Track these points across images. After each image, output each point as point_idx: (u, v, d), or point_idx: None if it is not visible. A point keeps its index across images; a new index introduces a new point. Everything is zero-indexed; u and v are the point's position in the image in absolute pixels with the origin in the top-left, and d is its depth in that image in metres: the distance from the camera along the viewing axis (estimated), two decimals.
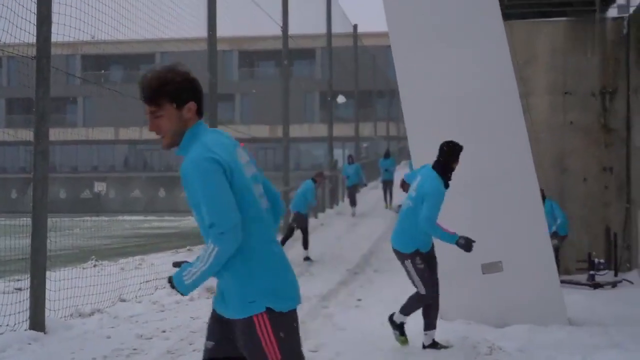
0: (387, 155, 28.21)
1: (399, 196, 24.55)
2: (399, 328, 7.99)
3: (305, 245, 16.65)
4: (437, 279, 7.87)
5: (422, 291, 7.72)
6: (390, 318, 8.09)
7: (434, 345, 7.81)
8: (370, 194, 30.69)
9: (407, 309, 7.89)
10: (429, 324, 7.87)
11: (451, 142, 7.82)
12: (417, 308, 7.83)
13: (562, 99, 13.86)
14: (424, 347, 7.80)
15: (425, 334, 7.85)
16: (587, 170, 13.90)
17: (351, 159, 27.67)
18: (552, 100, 13.85)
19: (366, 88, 46.58)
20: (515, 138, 9.22)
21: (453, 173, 7.87)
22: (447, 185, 7.74)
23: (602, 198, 13.83)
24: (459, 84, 9.33)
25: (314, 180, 17.06)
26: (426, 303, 7.76)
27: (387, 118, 53.74)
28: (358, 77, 38.56)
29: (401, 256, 7.86)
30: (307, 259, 16.36)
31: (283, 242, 16.28)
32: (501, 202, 9.10)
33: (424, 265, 7.73)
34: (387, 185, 27.21)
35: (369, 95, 49.36)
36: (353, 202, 25.74)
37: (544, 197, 12.09)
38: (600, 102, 13.85)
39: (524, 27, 13.87)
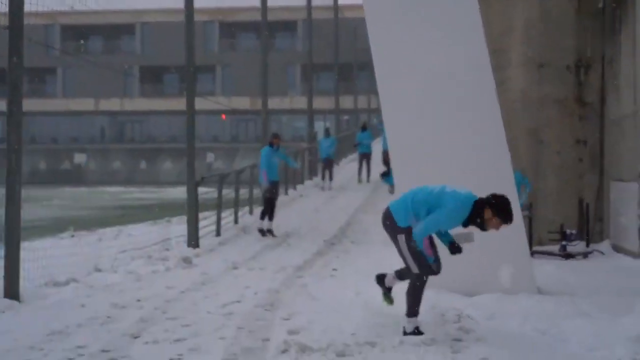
0: (364, 128, 27.71)
1: (377, 169, 24.68)
2: (387, 288, 7.85)
3: (272, 216, 16.17)
4: (437, 256, 7.25)
5: (415, 269, 7.10)
6: (380, 278, 7.90)
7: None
8: (348, 168, 30.73)
9: (410, 307, 7.17)
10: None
11: (509, 202, 6.94)
12: (419, 295, 7.17)
13: (537, 72, 13.93)
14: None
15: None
16: (562, 143, 14.00)
17: (328, 132, 27.14)
18: (527, 72, 13.92)
19: (347, 61, 46.53)
20: (487, 111, 9.30)
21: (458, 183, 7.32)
22: (465, 224, 7.00)
23: (575, 170, 13.95)
24: (432, 57, 9.39)
25: (271, 144, 16.31)
26: (421, 282, 7.16)
27: (369, 91, 53.69)
28: (339, 49, 38.48)
29: (393, 227, 7.18)
30: (269, 231, 16.02)
31: (264, 215, 16.04)
32: (473, 174, 9.18)
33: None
34: (364, 158, 26.82)
35: (350, 68, 49.32)
36: (330, 176, 25.56)
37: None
38: (575, 75, 13.92)
39: None
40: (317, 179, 27.70)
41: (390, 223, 7.20)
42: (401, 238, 7.10)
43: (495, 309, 8.08)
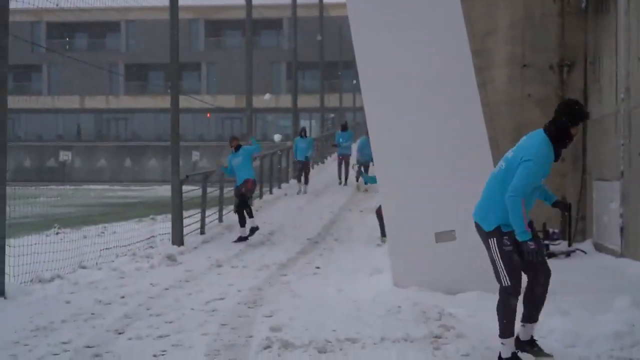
0: (344, 127, 26.50)
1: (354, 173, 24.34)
2: (529, 345, 6.36)
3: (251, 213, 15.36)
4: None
5: (506, 282, 6.07)
6: (520, 341, 6.35)
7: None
8: (329, 169, 30.20)
9: (502, 326, 6.18)
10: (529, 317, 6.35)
11: (575, 101, 6.17)
12: (512, 313, 6.15)
13: (520, 72, 14.04)
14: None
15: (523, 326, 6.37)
16: None
17: (304, 132, 25.26)
18: (511, 72, 14.03)
19: (332, 59, 46.61)
20: (469, 112, 9.38)
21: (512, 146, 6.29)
22: (557, 157, 6.04)
23: (558, 169, 14.04)
24: (414, 57, 9.46)
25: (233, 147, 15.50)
26: (512, 298, 6.11)
27: (353, 89, 53.77)
28: (324, 47, 38.52)
29: (483, 234, 6.31)
30: (254, 230, 15.16)
31: (241, 213, 15.16)
32: (455, 173, 9.28)
33: (512, 247, 6.04)
34: (343, 159, 25.63)
35: (335, 66, 49.40)
36: (306, 180, 24.08)
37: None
38: (558, 75, 14.03)
39: None
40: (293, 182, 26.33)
41: (479, 232, 6.38)
42: (492, 242, 6.16)
43: (476, 306, 8.16)
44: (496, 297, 8.66)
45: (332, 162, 31.88)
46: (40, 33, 66.62)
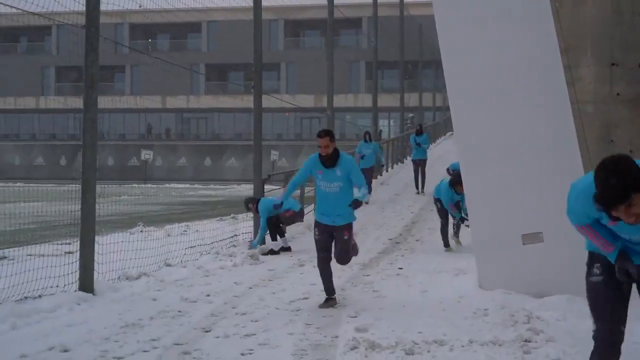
0: (419, 131, 24.24)
1: (433, 179, 23.56)
2: None
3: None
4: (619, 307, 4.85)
5: (592, 325, 4.96)
6: None
7: None
8: (407, 168, 29.65)
9: None
10: None
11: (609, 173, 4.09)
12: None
13: (609, 71, 13.72)
14: None
15: None
16: (634, 142, 13.77)
17: (368, 135, 23.28)
18: (599, 71, 13.72)
19: (412, 58, 46.36)
20: (557, 110, 9.21)
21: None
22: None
23: None
24: (502, 56, 9.33)
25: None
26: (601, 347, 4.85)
27: (434, 88, 53.39)
28: (404, 47, 38.34)
29: None
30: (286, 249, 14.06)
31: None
32: (543, 173, 9.12)
33: (603, 277, 4.88)
34: (419, 165, 23.51)
35: (415, 65, 49.13)
36: (369, 189, 20.84)
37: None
38: None
39: None
40: (382, 177, 26.61)
41: None
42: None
43: (565, 309, 8.00)
44: (586, 300, 8.50)
45: (411, 161, 31.71)
46: (123, 34, 68.00)
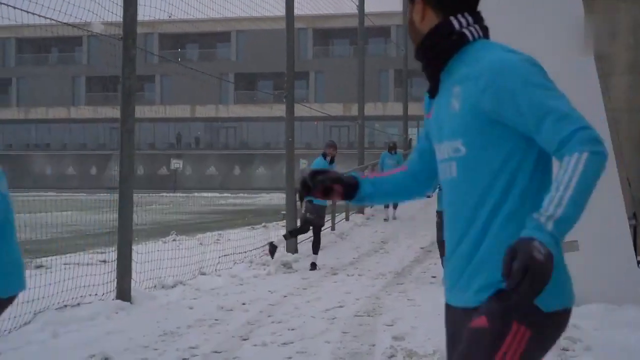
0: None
1: None
2: None
3: (316, 248, 13.47)
4: None
5: None
6: None
7: None
8: None
9: None
10: None
11: None
12: None
13: None
14: None
15: None
16: None
17: (394, 147, 21.41)
18: (633, 79, 13.66)
19: None
20: (593, 119, 9.16)
21: None
22: None
23: None
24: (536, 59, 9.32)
25: (324, 155, 13.58)
26: None
27: None
28: None
29: None
30: (313, 265, 13.18)
31: (292, 234, 13.88)
32: None
33: None
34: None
35: None
36: (394, 204, 19.82)
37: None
38: None
39: (604, 2, 13.69)
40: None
41: None
42: None
43: (602, 319, 7.97)
44: (622, 309, 8.46)
45: None
46: (153, 44, 68.51)
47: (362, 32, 23.64)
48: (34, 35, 57.81)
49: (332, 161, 13.41)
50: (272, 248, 13.22)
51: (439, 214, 12.45)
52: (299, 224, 13.92)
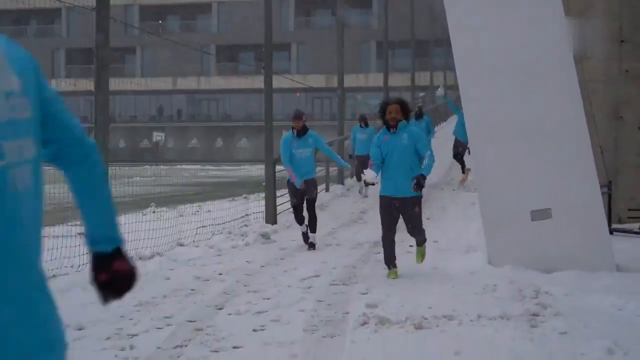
0: (419, 114, 20.43)
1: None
2: None
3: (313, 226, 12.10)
4: None
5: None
6: None
7: None
8: None
9: None
10: None
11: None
12: None
13: (618, 48, 13.71)
14: None
15: None
16: None
17: (364, 120, 19.78)
18: (608, 49, 13.72)
19: (423, 37, 46.23)
20: (565, 87, 9.25)
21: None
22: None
23: None
24: (511, 34, 9.37)
25: (293, 129, 11.96)
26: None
27: (445, 67, 53.18)
28: (415, 26, 38.24)
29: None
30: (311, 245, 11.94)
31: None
32: (552, 151, 9.18)
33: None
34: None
35: (426, 44, 48.97)
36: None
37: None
38: None
39: None
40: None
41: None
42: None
43: (573, 285, 8.09)
44: (593, 275, 8.57)
45: None
46: (133, 16, 68.04)
47: (342, 3, 23.56)
48: (12, 7, 57.31)
49: (300, 134, 11.79)
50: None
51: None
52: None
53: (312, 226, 12.00)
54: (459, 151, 19.54)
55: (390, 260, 9.23)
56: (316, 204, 12.46)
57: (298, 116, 11.93)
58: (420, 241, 9.47)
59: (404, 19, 39.52)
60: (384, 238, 9.27)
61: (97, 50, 9.01)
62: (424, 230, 9.52)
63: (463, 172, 19.89)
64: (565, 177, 9.13)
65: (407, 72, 40.01)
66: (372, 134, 18.54)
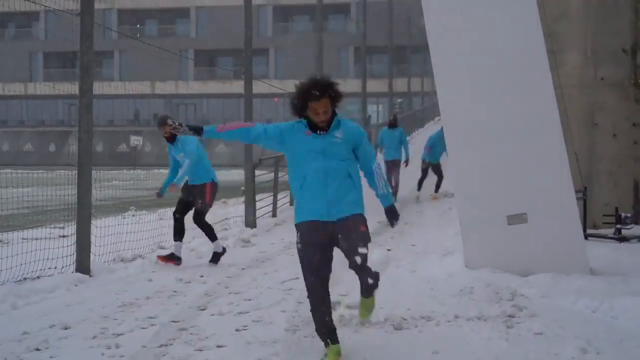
0: (393, 123, 19.14)
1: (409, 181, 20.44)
2: None
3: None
4: None
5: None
6: None
7: None
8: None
9: None
10: None
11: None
12: None
13: (593, 55, 13.95)
14: None
15: None
16: (617, 126, 14.01)
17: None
18: (583, 56, 13.96)
19: (401, 43, 46.48)
20: (541, 93, 9.43)
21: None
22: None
23: (631, 153, 13.96)
24: (487, 40, 9.54)
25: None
26: None
27: (422, 73, 53.50)
28: (393, 31, 38.48)
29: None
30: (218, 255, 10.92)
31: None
32: (527, 156, 9.36)
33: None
34: (393, 166, 18.60)
35: (404, 50, 49.26)
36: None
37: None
38: (631, 58, 13.92)
39: None
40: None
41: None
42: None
43: (548, 287, 8.26)
44: (568, 278, 8.76)
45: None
46: (111, 20, 67.90)
47: (320, 9, 23.72)
48: None
49: (171, 139, 10.58)
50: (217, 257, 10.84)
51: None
52: None
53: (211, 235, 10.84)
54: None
55: (326, 330, 6.05)
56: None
57: (162, 122, 10.51)
58: (370, 286, 6.21)
59: (381, 25, 39.74)
60: (311, 294, 6.16)
61: (82, 57, 9.11)
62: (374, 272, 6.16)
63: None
64: (541, 182, 9.31)
65: (385, 78, 40.19)
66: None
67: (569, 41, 14.01)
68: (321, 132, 5.94)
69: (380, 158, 17.00)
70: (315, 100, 5.84)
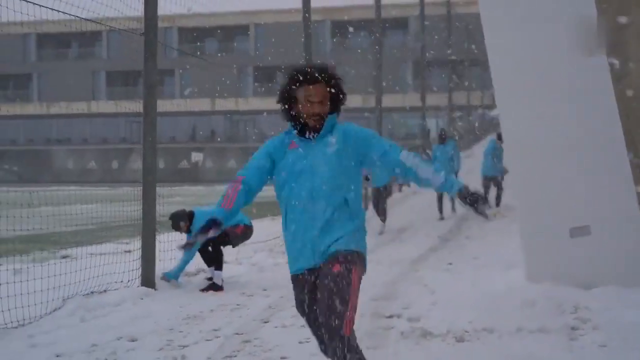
0: (442, 138, 19.06)
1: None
2: None
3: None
4: None
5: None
6: None
7: None
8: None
9: None
10: None
11: None
12: None
13: None
14: None
15: None
16: None
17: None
18: None
19: (460, 57, 46.33)
20: (603, 106, 9.37)
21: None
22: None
23: None
24: (548, 52, 9.51)
25: None
26: None
27: (481, 86, 53.16)
28: (451, 45, 38.42)
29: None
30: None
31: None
32: (590, 167, 9.29)
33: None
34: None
35: (463, 63, 49.07)
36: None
37: None
38: None
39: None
40: None
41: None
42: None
43: (612, 300, 8.18)
44: (632, 291, 8.66)
45: None
46: (172, 38, 68.95)
47: (379, 24, 23.83)
48: (54, 30, 58.34)
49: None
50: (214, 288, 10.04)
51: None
52: None
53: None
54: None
55: None
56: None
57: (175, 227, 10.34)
58: None
59: (440, 39, 39.71)
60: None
61: (146, 76, 9.32)
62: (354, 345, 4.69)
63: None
64: (603, 194, 9.23)
65: (444, 91, 40.10)
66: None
67: (632, 52, 13.85)
68: (312, 136, 4.62)
69: None
70: (307, 84, 4.55)
